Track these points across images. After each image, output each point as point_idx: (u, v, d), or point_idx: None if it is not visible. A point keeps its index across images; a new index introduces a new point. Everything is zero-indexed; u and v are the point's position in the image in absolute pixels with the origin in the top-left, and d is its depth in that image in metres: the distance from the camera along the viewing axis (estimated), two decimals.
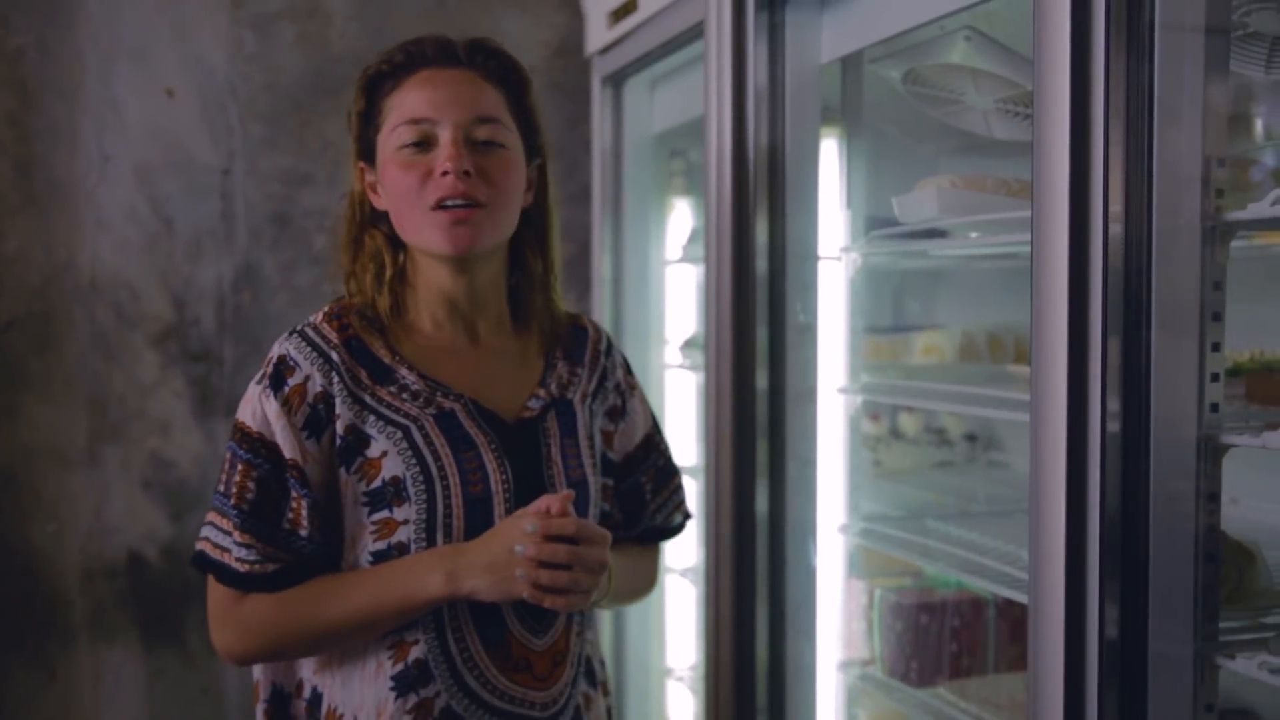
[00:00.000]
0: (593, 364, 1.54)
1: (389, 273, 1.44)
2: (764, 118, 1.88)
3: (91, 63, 2.66)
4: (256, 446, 1.36)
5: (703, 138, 1.98)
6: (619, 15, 2.43)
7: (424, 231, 1.38)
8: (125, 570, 2.73)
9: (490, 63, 1.43)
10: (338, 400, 1.37)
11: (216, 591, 1.38)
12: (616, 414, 1.55)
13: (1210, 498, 1.23)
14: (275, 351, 1.40)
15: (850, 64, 1.99)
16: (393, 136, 1.39)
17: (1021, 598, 1.47)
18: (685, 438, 2.62)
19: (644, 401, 1.61)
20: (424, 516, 1.36)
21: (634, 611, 2.61)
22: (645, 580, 1.61)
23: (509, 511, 1.39)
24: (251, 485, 1.35)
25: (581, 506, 1.44)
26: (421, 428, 1.38)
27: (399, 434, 1.37)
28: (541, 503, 1.34)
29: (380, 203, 1.44)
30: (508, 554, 1.32)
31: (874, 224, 2.01)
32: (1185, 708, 1.23)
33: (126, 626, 2.73)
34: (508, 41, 1.48)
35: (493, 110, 1.40)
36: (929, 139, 2.41)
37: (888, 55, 1.90)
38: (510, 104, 1.43)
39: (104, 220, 2.69)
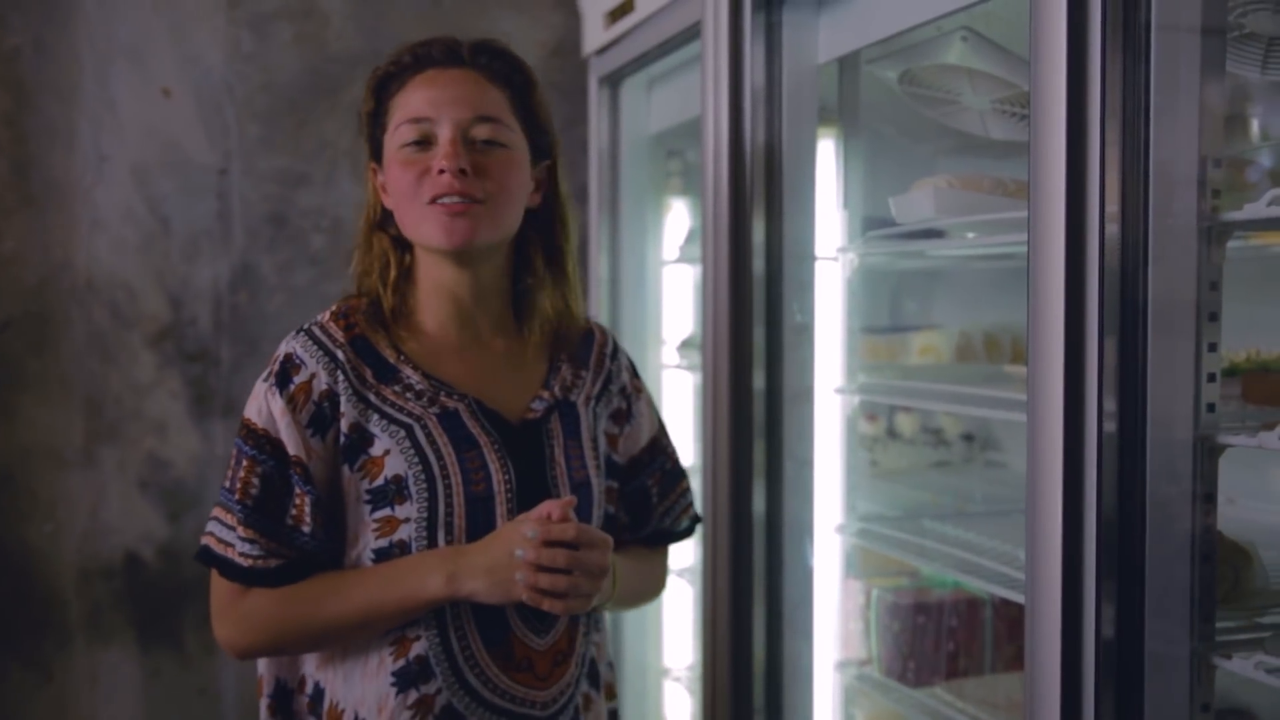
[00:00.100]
0: (597, 367, 1.55)
1: (393, 273, 1.45)
2: (761, 118, 1.88)
3: (88, 62, 2.66)
4: (261, 443, 1.37)
5: (700, 138, 1.98)
6: (616, 15, 2.43)
7: (421, 226, 1.39)
8: (122, 570, 2.73)
9: (494, 63, 1.44)
10: (342, 398, 1.38)
11: (220, 586, 1.40)
12: (622, 417, 1.56)
13: (1206, 498, 1.23)
14: (282, 350, 1.41)
15: (847, 64, 1.99)
16: (396, 135, 1.41)
17: (1018, 598, 1.47)
18: (682, 438, 2.62)
19: (650, 405, 1.61)
20: (425, 515, 1.37)
21: (631, 611, 2.61)
22: (652, 584, 1.61)
23: (511, 511, 1.39)
24: (256, 481, 1.36)
25: (584, 509, 1.45)
26: (425, 427, 1.39)
27: (402, 433, 1.38)
28: (543, 508, 1.34)
29: (388, 202, 1.45)
30: (508, 557, 1.33)
31: (871, 224, 2.01)
32: (1182, 707, 1.23)
33: (123, 627, 2.73)
34: (504, 42, 1.48)
35: (493, 110, 1.41)
36: (926, 139, 2.41)
37: (884, 56, 1.90)
38: (514, 104, 1.44)
39: (100, 220, 2.69)
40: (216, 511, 1.41)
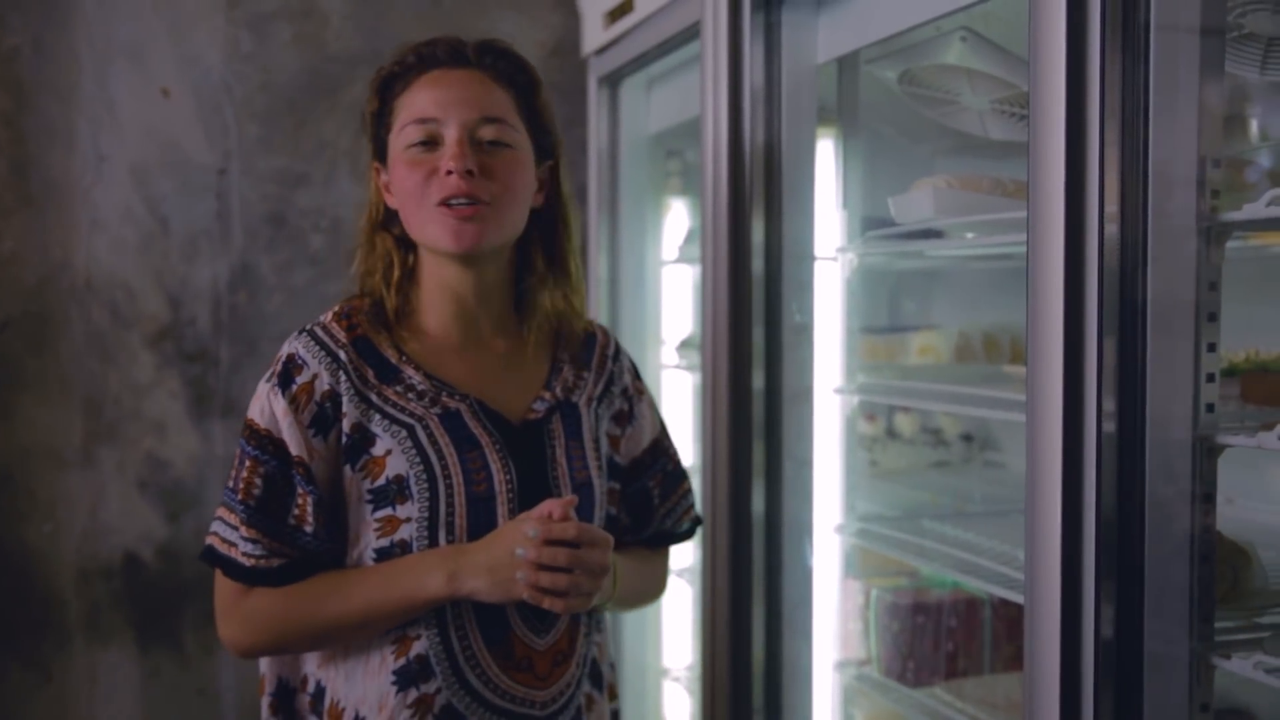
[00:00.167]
0: (599, 368, 1.55)
1: (397, 274, 1.45)
2: (760, 118, 1.88)
3: (87, 62, 2.66)
4: (264, 443, 1.38)
5: (699, 138, 1.98)
6: (615, 15, 2.43)
7: (429, 228, 1.39)
8: (121, 571, 2.73)
9: (499, 63, 1.44)
10: (344, 398, 1.38)
11: (224, 585, 1.41)
12: (624, 419, 1.56)
13: (1206, 498, 1.23)
14: (285, 350, 1.42)
15: (846, 64, 1.99)
16: (401, 136, 1.41)
17: (1017, 598, 1.47)
18: (682, 438, 2.62)
19: (652, 407, 1.61)
20: (426, 515, 1.37)
21: (631, 612, 2.61)
22: (653, 585, 1.62)
23: (512, 511, 1.40)
24: (258, 481, 1.37)
25: (586, 509, 1.45)
26: (426, 427, 1.39)
27: (404, 433, 1.38)
28: (544, 507, 1.35)
29: (393, 201, 1.45)
30: (508, 556, 1.33)
31: (870, 224, 2.01)
32: (1181, 708, 1.23)
33: (122, 627, 2.73)
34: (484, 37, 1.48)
35: (499, 111, 1.41)
36: (925, 139, 2.41)
37: (884, 56, 1.90)
38: (519, 105, 1.44)
39: (99, 220, 2.69)
40: (220, 511, 1.41)
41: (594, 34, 2.59)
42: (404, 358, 1.43)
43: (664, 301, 2.70)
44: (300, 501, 1.37)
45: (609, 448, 1.53)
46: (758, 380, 1.92)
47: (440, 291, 1.45)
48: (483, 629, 1.39)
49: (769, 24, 1.88)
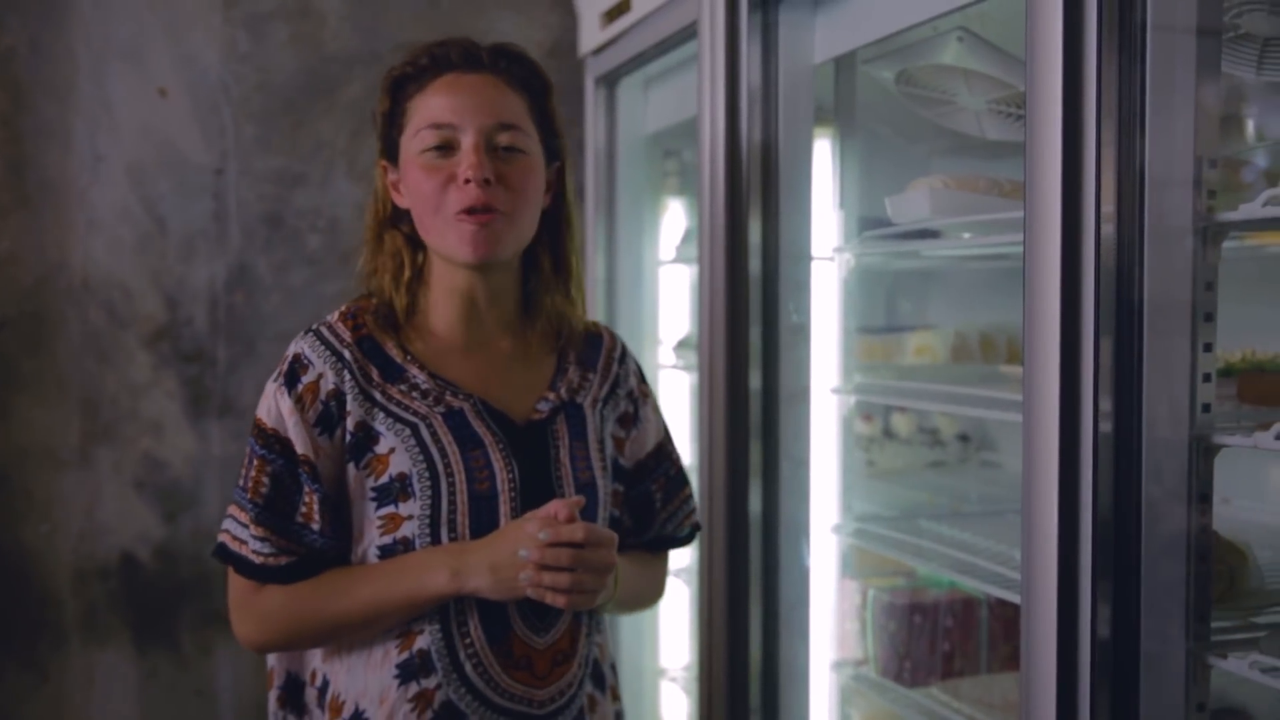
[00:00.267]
0: (605, 370, 1.56)
1: (407, 273, 1.46)
2: (757, 118, 1.88)
3: (84, 62, 2.66)
4: (271, 442, 1.39)
5: (696, 138, 1.98)
6: (612, 15, 2.43)
7: (446, 238, 1.40)
8: (118, 571, 2.72)
9: (514, 68, 1.45)
10: (349, 397, 1.40)
11: (236, 582, 1.43)
12: (629, 421, 1.56)
13: (1202, 498, 1.23)
14: (291, 350, 1.43)
15: (843, 64, 2.00)
16: (416, 140, 1.41)
17: (1014, 598, 1.47)
18: (679, 438, 2.62)
19: (657, 410, 1.62)
20: (429, 512, 1.38)
21: (628, 614, 2.61)
22: (652, 588, 1.62)
23: (514, 510, 1.40)
24: (266, 480, 1.39)
25: (590, 510, 1.46)
26: (430, 425, 1.40)
27: (407, 431, 1.40)
28: (550, 508, 1.35)
29: (402, 201, 1.46)
30: (512, 556, 1.34)
31: (867, 224, 2.02)
32: (1177, 707, 1.23)
33: (119, 628, 2.73)
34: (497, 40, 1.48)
35: (514, 117, 1.42)
36: (922, 139, 2.41)
37: (881, 56, 1.90)
38: (532, 109, 1.45)
39: (96, 220, 2.68)
40: (231, 509, 1.43)
41: (591, 34, 2.59)
42: (409, 357, 1.44)
43: (661, 301, 2.70)
44: (307, 500, 1.39)
45: (613, 450, 1.53)
46: (755, 380, 1.92)
47: (450, 293, 1.46)
48: (485, 626, 1.40)
49: (766, 24, 1.89)
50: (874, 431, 2.62)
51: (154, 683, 2.75)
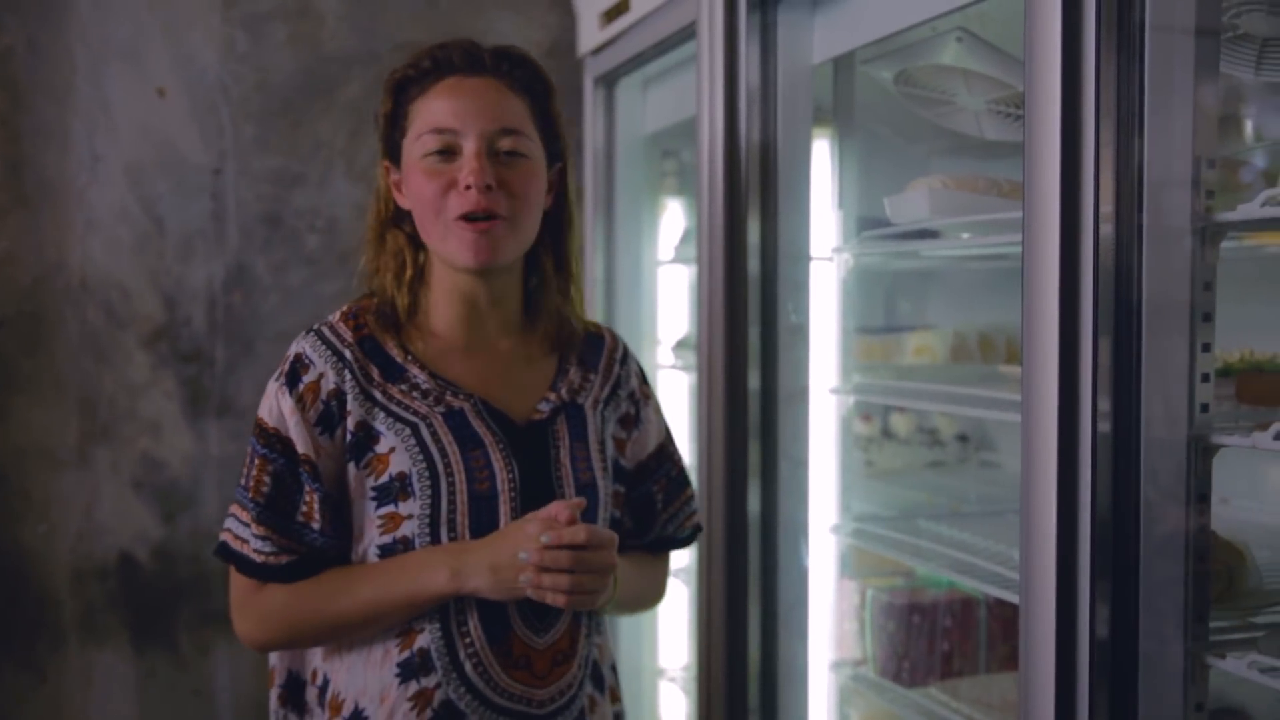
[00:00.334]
0: (607, 371, 1.56)
1: (409, 273, 1.47)
2: (756, 118, 1.88)
3: (82, 62, 2.66)
4: (272, 441, 1.40)
5: (695, 138, 1.98)
6: (611, 16, 2.43)
7: (447, 242, 1.41)
8: (116, 571, 2.72)
9: (516, 71, 1.45)
10: (349, 397, 1.40)
11: (238, 581, 1.43)
12: (630, 422, 1.56)
13: (1200, 498, 1.23)
14: (292, 350, 1.44)
15: (842, 65, 2.00)
16: (418, 144, 1.41)
17: (1013, 598, 1.47)
18: (677, 438, 2.62)
19: (659, 412, 1.62)
20: (428, 512, 1.39)
21: (628, 616, 2.61)
22: (652, 589, 1.62)
23: (514, 510, 1.41)
24: (267, 479, 1.39)
25: (590, 511, 1.46)
26: (430, 425, 1.40)
27: (407, 430, 1.40)
28: (551, 509, 1.36)
29: (404, 202, 1.46)
30: (511, 557, 1.35)
31: (866, 224, 2.02)
32: (1176, 707, 1.23)
33: (117, 628, 2.73)
34: (499, 42, 1.49)
35: (516, 121, 1.42)
36: (921, 139, 2.41)
37: (879, 56, 1.91)
38: (534, 112, 1.45)
39: (94, 220, 2.68)
40: (233, 508, 1.44)
41: (590, 34, 2.59)
42: (409, 357, 1.44)
43: (660, 302, 2.70)
44: (308, 499, 1.39)
45: (614, 451, 1.54)
46: (753, 380, 1.92)
47: (451, 294, 1.46)
48: (484, 626, 1.40)
49: (765, 24, 1.89)
50: (873, 431, 2.62)
51: (152, 683, 2.75)
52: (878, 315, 2.68)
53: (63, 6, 2.64)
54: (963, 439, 2.60)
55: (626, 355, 1.60)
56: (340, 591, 1.39)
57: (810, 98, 1.92)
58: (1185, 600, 1.22)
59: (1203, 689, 1.25)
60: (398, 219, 1.48)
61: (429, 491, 1.39)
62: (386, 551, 1.40)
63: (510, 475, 1.41)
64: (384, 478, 1.40)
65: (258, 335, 2.75)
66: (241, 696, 2.76)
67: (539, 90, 1.46)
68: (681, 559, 2.54)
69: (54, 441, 2.68)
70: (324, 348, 1.42)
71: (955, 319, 2.42)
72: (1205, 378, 1.23)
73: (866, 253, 2.02)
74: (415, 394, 1.42)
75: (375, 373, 1.42)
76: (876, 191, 1.97)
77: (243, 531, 1.41)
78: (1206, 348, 1.23)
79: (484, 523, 1.40)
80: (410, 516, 1.39)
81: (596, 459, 1.48)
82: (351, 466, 1.40)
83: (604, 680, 1.52)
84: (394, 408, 1.41)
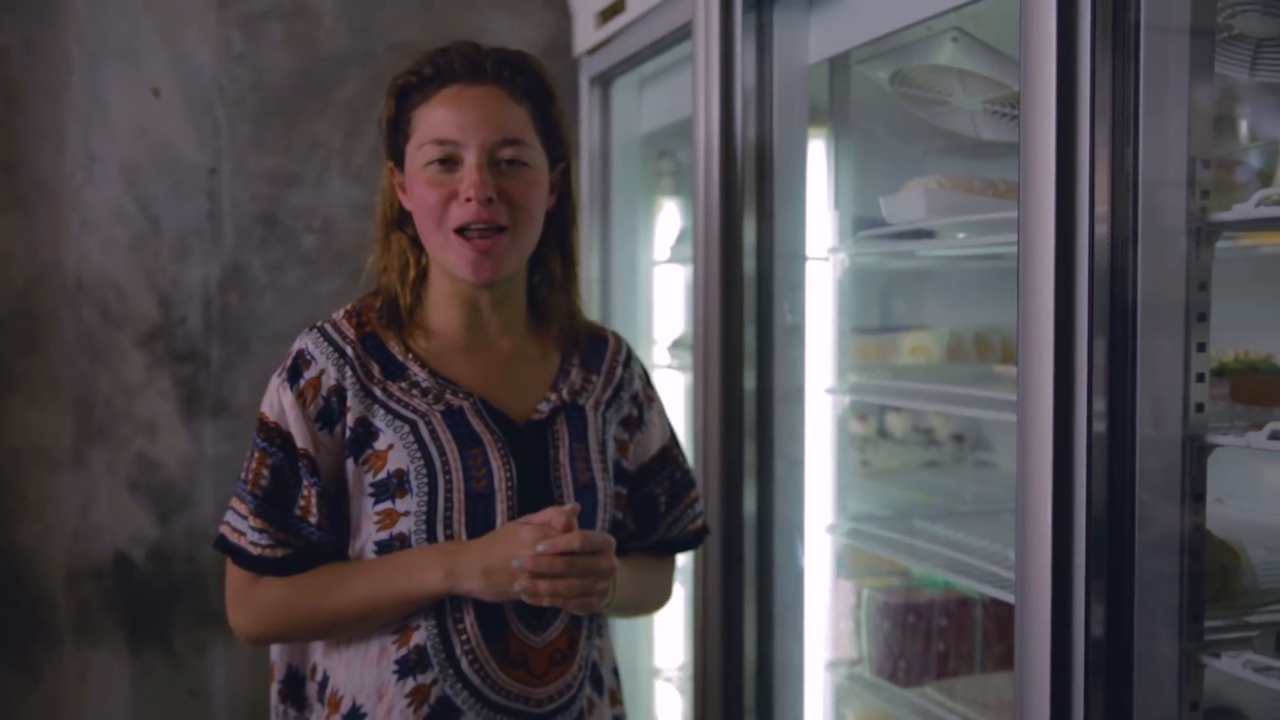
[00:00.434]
0: (609, 373, 1.56)
1: (412, 273, 1.47)
2: (752, 118, 1.88)
3: (78, 62, 2.65)
4: (272, 436, 1.41)
5: (691, 138, 1.98)
6: (607, 15, 2.43)
7: (447, 254, 1.41)
8: (111, 571, 2.72)
9: (518, 79, 1.44)
10: (349, 394, 1.41)
11: (234, 573, 1.44)
12: (633, 424, 1.56)
13: (1196, 497, 1.23)
14: (295, 346, 1.45)
15: (838, 65, 2.00)
16: (419, 153, 1.41)
17: (1008, 597, 1.48)
18: None
19: (662, 414, 1.62)
20: (425, 509, 1.39)
21: (631, 618, 2.61)
22: (656, 592, 1.62)
23: (511, 509, 1.41)
24: (266, 473, 1.40)
25: (589, 513, 1.46)
26: (429, 423, 1.41)
27: (406, 428, 1.41)
28: (546, 515, 1.36)
29: (408, 204, 1.46)
30: (505, 561, 1.35)
31: (861, 224, 2.02)
32: (1170, 706, 1.23)
33: (112, 628, 2.72)
34: (495, 42, 1.49)
35: (518, 131, 1.42)
36: (916, 140, 2.42)
37: (875, 56, 1.91)
38: (535, 118, 1.44)
39: (90, 220, 2.68)
40: (232, 501, 1.45)
41: (586, 34, 2.59)
42: (411, 355, 1.45)
43: (655, 302, 2.70)
44: (305, 493, 1.40)
45: (617, 453, 1.53)
46: (749, 380, 1.92)
47: (453, 298, 1.47)
48: (480, 623, 1.40)
49: (760, 24, 1.89)
50: (869, 431, 2.62)
51: (147, 683, 2.74)
52: (873, 315, 2.68)
53: (58, 6, 2.64)
54: (958, 439, 2.61)
55: (630, 357, 1.60)
56: (335, 587, 1.40)
57: (806, 98, 1.92)
58: (1180, 599, 1.23)
59: (1197, 688, 1.25)
60: (401, 221, 1.49)
61: (426, 489, 1.39)
62: (384, 548, 1.41)
63: (508, 474, 1.42)
64: (382, 474, 1.40)
65: (253, 335, 2.74)
66: (237, 696, 2.76)
67: (541, 96, 1.46)
68: (678, 559, 2.54)
69: (49, 442, 2.68)
70: (326, 344, 1.43)
71: (951, 319, 2.42)
72: (1200, 377, 1.23)
73: (862, 253, 2.02)
74: (415, 392, 1.43)
75: (376, 370, 1.43)
76: (872, 191, 1.97)
77: (240, 524, 1.42)
78: (1201, 347, 1.23)
79: (480, 521, 1.40)
80: (407, 513, 1.39)
81: (596, 460, 1.48)
82: (350, 462, 1.41)
83: (604, 682, 1.52)
84: (393, 405, 1.41)
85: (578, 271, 1.54)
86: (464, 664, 1.39)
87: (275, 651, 1.50)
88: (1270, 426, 1.16)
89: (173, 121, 2.70)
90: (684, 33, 2.07)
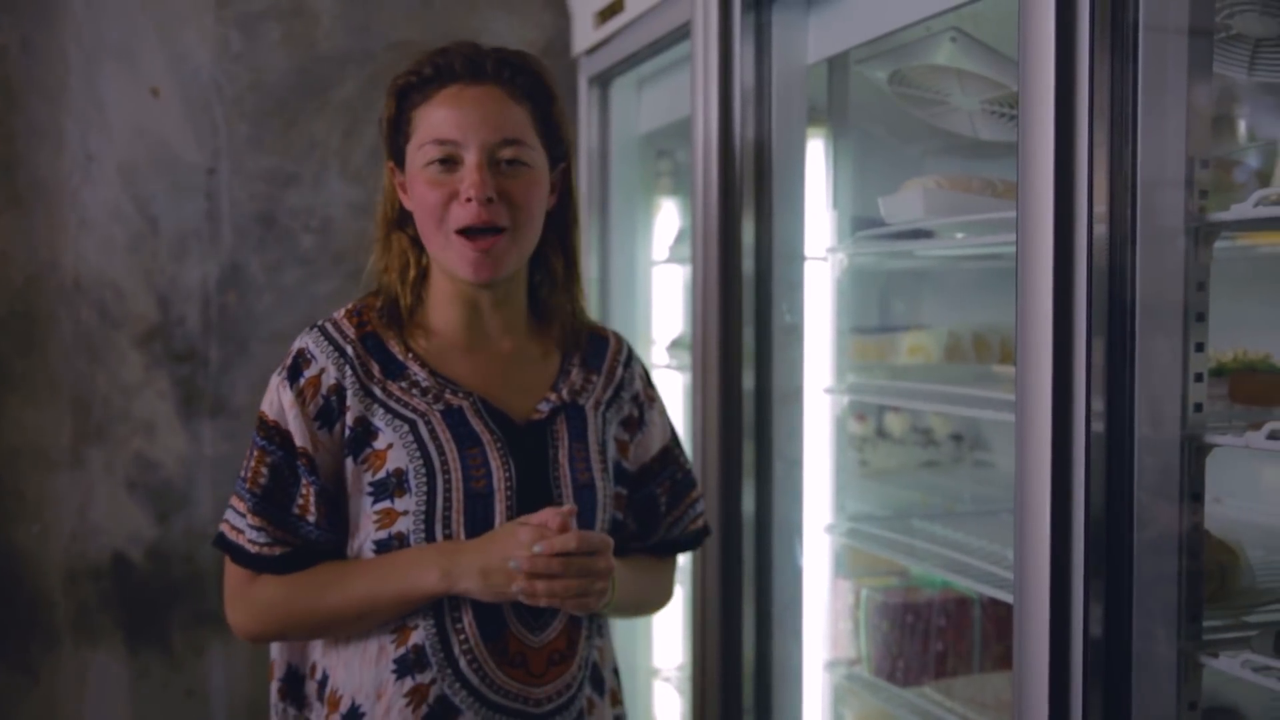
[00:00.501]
0: (610, 373, 1.56)
1: (413, 273, 1.48)
2: (750, 118, 1.88)
3: (76, 62, 2.65)
4: (271, 434, 1.41)
5: (689, 138, 1.99)
6: (606, 15, 2.43)
7: (447, 255, 1.41)
8: (109, 572, 2.72)
9: (518, 79, 1.44)
10: (349, 393, 1.41)
11: (232, 571, 1.44)
12: (633, 425, 1.56)
13: (1194, 497, 1.24)
14: (296, 345, 1.45)
15: (836, 65, 2.00)
16: (420, 153, 1.41)
17: (1007, 597, 1.48)
18: None
19: (663, 415, 1.62)
20: (424, 509, 1.39)
21: (631, 618, 2.61)
22: (656, 593, 1.62)
23: (510, 509, 1.41)
24: (265, 471, 1.41)
25: (588, 513, 1.46)
26: (428, 422, 1.41)
27: (405, 427, 1.41)
28: (542, 516, 1.36)
29: (409, 204, 1.46)
30: (502, 562, 1.35)
31: (860, 224, 2.02)
32: (1169, 706, 1.23)
33: (111, 628, 2.72)
34: (494, 42, 1.48)
35: (518, 131, 1.42)
36: (915, 139, 2.42)
37: (874, 56, 1.91)
38: (535, 118, 1.44)
39: (88, 220, 2.68)
40: (232, 499, 1.45)
41: (584, 34, 2.59)
42: (411, 354, 1.45)
43: (654, 301, 2.70)
44: (304, 492, 1.40)
45: (617, 453, 1.53)
46: (748, 380, 1.92)
47: (454, 298, 1.47)
48: (479, 623, 1.40)
49: (759, 24, 1.89)
50: (867, 431, 2.62)
51: (146, 683, 2.74)
52: (872, 315, 2.68)
53: (56, 6, 2.63)
54: (957, 439, 2.61)
55: (631, 358, 1.60)
56: (332, 585, 1.40)
57: (805, 98, 1.92)
58: (1178, 599, 1.23)
59: (1196, 688, 1.25)
60: (401, 221, 1.49)
61: (425, 488, 1.39)
62: (382, 547, 1.41)
63: (507, 474, 1.42)
64: (381, 473, 1.40)
65: (252, 335, 2.74)
66: (235, 696, 2.76)
67: (541, 96, 1.46)
68: (678, 559, 2.54)
69: (47, 442, 2.68)
70: (326, 343, 1.43)
71: (949, 319, 2.42)
72: (1199, 377, 1.23)
73: (861, 253, 2.02)
74: (415, 391, 1.43)
75: (376, 369, 1.43)
76: (871, 191, 1.97)
77: (239, 522, 1.42)
78: (1200, 347, 1.23)
79: (479, 521, 1.40)
80: (406, 513, 1.40)
81: (596, 460, 1.48)
82: (349, 461, 1.41)
83: (604, 683, 1.52)
84: (393, 404, 1.42)
85: (580, 271, 1.54)
86: (462, 664, 1.39)
87: (275, 650, 1.50)
88: (1269, 426, 1.17)
89: (171, 121, 2.70)
90: (683, 33, 2.07)
